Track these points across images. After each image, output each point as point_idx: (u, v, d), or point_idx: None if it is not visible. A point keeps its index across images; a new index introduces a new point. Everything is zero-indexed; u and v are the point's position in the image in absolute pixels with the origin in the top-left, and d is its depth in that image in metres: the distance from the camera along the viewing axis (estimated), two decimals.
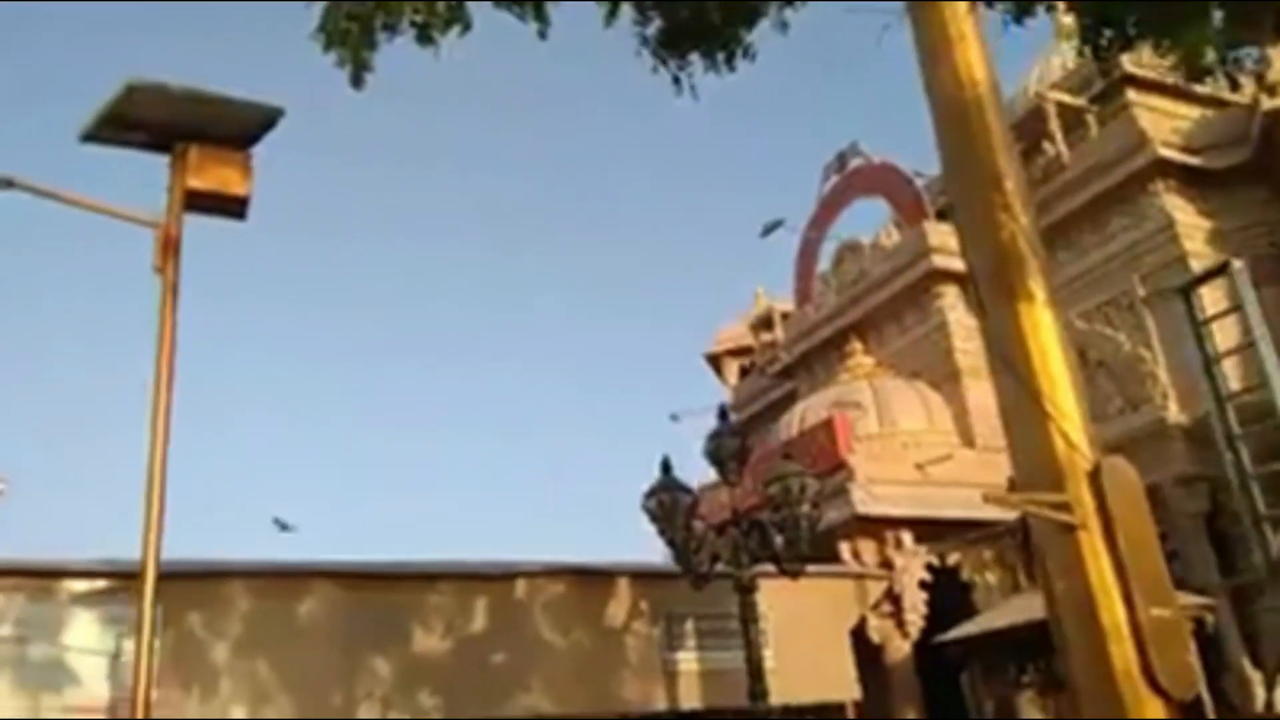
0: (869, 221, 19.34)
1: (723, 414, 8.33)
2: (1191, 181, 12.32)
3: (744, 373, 25.20)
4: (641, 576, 9.16)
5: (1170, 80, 12.37)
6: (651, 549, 8.96)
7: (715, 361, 26.19)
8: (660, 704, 8.69)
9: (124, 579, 6.80)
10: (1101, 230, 12.94)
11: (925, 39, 6.68)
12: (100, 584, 6.76)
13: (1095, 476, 5.41)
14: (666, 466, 8.00)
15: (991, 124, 6.30)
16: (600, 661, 8.52)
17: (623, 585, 8.94)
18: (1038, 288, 5.78)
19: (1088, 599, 5.11)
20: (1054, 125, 13.88)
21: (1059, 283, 13.55)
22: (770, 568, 8.05)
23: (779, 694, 9.21)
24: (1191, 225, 12.08)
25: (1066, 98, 13.90)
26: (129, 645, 6.59)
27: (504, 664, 8.11)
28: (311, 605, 7.55)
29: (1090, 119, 13.51)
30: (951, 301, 14.70)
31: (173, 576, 7.01)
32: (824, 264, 18.09)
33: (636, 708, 8.71)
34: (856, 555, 11.72)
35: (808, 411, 14.71)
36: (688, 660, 8.91)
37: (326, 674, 7.41)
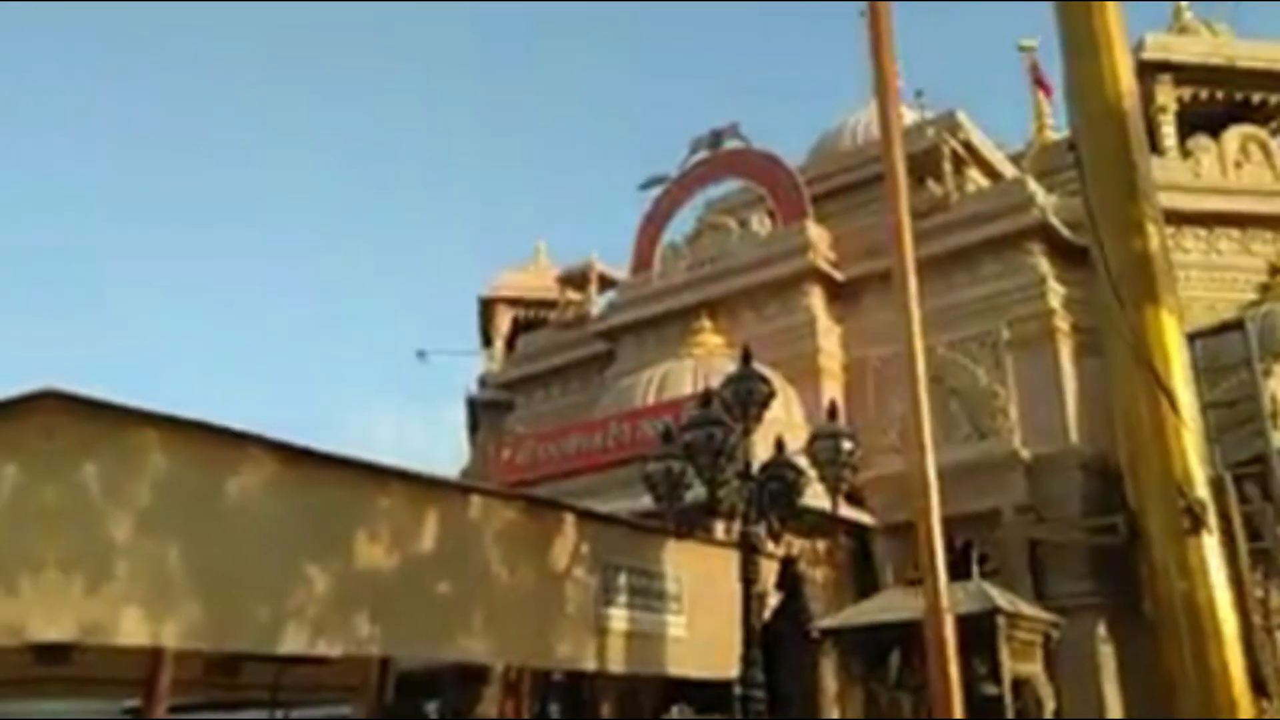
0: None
1: (746, 357, 7.61)
2: (1058, 250, 13.79)
3: (518, 324, 24.23)
4: (587, 517, 8.09)
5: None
6: None
7: (488, 306, 24.87)
8: (589, 663, 7.70)
9: None
10: (974, 271, 14.03)
11: (1072, 38, 6.66)
12: None
13: (1220, 486, 5.67)
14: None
15: (1135, 133, 6.42)
16: (540, 607, 7.35)
17: (569, 524, 7.82)
18: (1171, 297, 6.03)
19: (1207, 602, 5.33)
20: (947, 166, 14.86)
21: (924, 311, 14.62)
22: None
23: (685, 665, 8.72)
24: (1053, 288, 13.51)
25: (961, 144, 14.98)
26: None
27: (449, 595, 6.66)
28: (242, 483, 5.57)
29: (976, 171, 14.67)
30: (819, 302, 15.12)
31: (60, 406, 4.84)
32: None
33: (568, 664, 7.64)
34: (728, 530, 11.45)
35: (667, 378, 14.26)
36: (619, 618, 8.02)
37: (252, 574, 5.51)
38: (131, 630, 4.88)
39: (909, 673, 10.44)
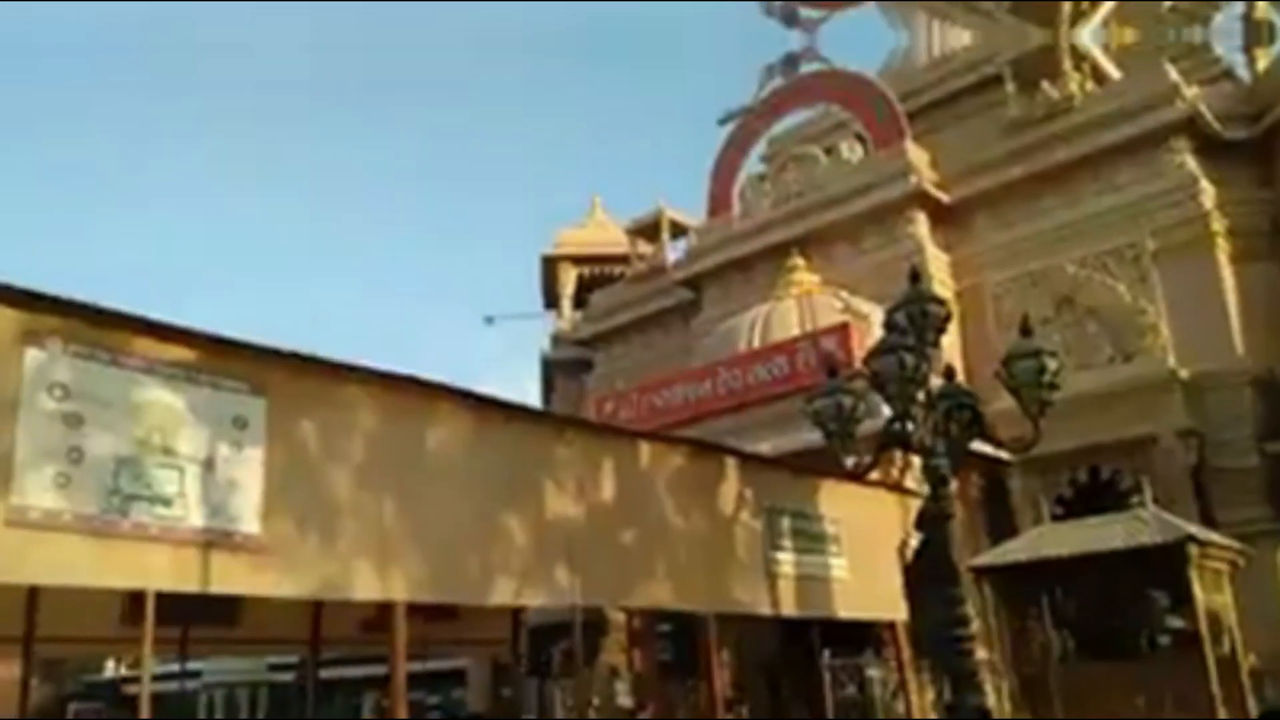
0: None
1: (915, 276, 7.50)
2: (1205, 146, 13.20)
3: (584, 281, 24.20)
4: (748, 460, 8.13)
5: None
6: None
7: (551, 265, 24.87)
8: (765, 608, 7.77)
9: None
10: (1106, 179, 13.57)
11: None
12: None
13: None
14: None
15: None
16: (712, 552, 7.42)
17: (731, 467, 7.85)
18: None
19: None
20: (1067, 64, 14.35)
21: (1047, 227, 14.21)
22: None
23: (849, 607, 8.75)
24: (1205, 189, 12.91)
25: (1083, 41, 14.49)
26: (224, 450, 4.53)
27: (632, 543, 6.73)
28: (441, 435, 5.66)
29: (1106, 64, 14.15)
30: (924, 229, 14.84)
31: (277, 362, 4.93)
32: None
33: (742, 609, 7.71)
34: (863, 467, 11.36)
35: (771, 319, 14.17)
36: (786, 562, 8.06)
37: (459, 526, 5.61)
38: (365, 586, 5.00)
39: (1066, 611, 10.38)
